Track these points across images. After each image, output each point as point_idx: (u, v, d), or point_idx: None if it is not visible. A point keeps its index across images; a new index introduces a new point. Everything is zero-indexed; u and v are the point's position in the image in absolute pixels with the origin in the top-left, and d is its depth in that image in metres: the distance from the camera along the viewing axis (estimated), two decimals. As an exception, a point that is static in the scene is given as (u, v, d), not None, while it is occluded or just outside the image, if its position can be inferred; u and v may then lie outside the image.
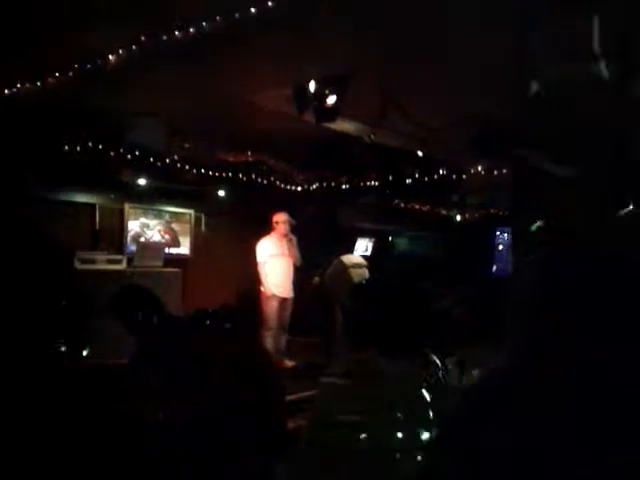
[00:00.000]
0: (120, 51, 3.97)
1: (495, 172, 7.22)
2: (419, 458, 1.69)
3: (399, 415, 1.79)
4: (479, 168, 7.34)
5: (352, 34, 3.61)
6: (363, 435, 1.76)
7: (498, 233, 11.16)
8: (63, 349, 2.73)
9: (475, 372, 2.98)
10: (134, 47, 3.91)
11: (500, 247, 11.06)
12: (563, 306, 0.95)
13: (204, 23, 3.51)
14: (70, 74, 4.31)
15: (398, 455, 1.73)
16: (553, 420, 0.89)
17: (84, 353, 3.38)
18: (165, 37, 3.72)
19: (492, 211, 10.16)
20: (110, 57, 4.03)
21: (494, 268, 11.12)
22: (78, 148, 5.99)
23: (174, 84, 4.51)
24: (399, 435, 1.76)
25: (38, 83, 4.51)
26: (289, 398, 3.45)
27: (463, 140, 5.71)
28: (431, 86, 4.58)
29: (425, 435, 1.76)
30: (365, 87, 4.53)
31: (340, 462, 1.77)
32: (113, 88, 4.56)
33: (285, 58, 3.91)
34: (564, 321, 0.95)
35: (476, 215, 10.17)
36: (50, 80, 4.42)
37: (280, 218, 6.65)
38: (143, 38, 3.83)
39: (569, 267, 0.98)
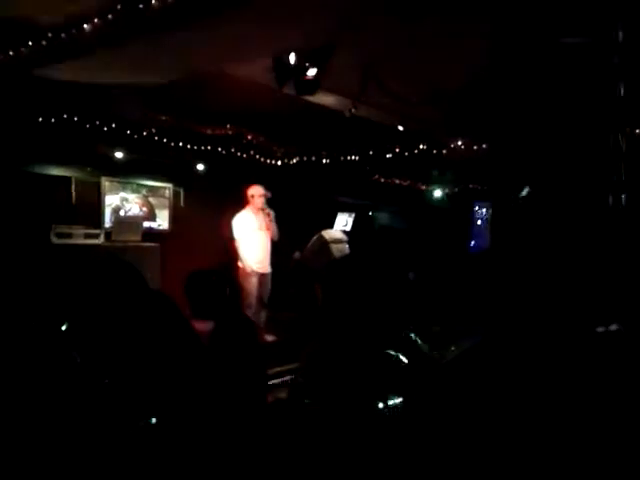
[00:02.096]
0: (95, 20, 3.88)
1: (475, 147, 7.26)
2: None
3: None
4: (459, 143, 7.37)
5: (334, 3, 3.58)
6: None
7: (477, 208, 11.27)
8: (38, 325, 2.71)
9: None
10: (110, 16, 3.83)
11: (479, 222, 11.18)
12: None
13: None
14: (44, 43, 4.22)
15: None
16: None
17: (63, 328, 3.37)
18: (141, 6, 3.65)
19: (471, 186, 10.24)
20: (85, 26, 3.94)
21: (472, 243, 11.25)
22: (52, 120, 5.89)
23: (150, 55, 4.43)
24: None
25: (11, 53, 4.41)
26: (269, 371, 3.49)
27: (442, 116, 5.73)
28: (411, 59, 4.57)
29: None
30: (346, 60, 4.51)
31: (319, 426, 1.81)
32: (88, 59, 4.46)
33: (266, 28, 3.86)
34: None
35: (456, 190, 10.23)
36: (23, 50, 4.32)
37: (255, 191, 6.61)
38: (119, 7, 3.75)
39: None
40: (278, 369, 4.29)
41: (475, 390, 1.94)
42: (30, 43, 4.27)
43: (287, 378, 3.82)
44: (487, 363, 2.09)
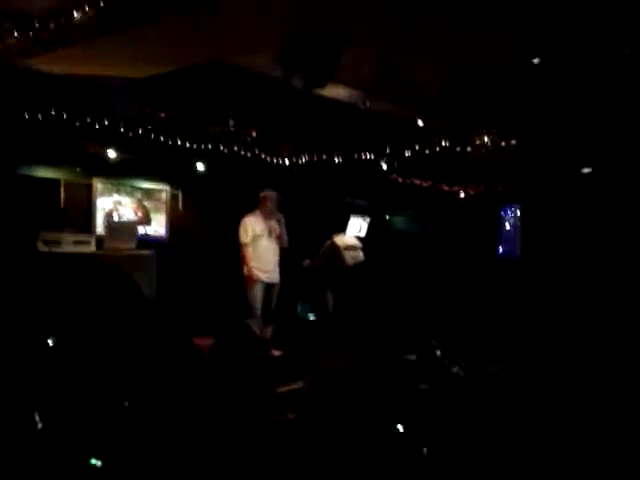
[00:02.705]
0: (86, 7, 3.93)
1: (503, 143, 7.24)
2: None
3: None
4: (485, 139, 7.36)
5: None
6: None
7: (505, 211, 11.24)
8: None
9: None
10: (102, 4, 3.87)
11: (507, 226, 11.14)
12: None
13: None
14: (31, 34, 4.26)
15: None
16: None
17: (50, 342, 3.39)
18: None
19: (500, 187, 10.20)
20: (75, 14, 3.99)
21: (500, 249, 11.21)
22: (40, 117, 5.93)
23: (147, 46, 4.47)
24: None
25: (-5, 43, 4.46)
26: (277, 390, 3.49)
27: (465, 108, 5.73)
28: (430, 46, 4.57)
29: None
30: (360, 49, 4.52)
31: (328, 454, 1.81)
32: (79, 50, 4.51)
33: (272, 15, 3.88)
34: None
35: (482, 191, 10.20)
36: (8, 40, 4.37)
37: (267, 195, 6.61)
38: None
39: None
40: (286, 387, 4.28)
41: (508, 417, 1.94)
42: (16, 32, 4.32)
43: (296, 397, 3.82)
44: (519, 386, 2.09)
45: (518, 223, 10.85)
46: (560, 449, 1.85)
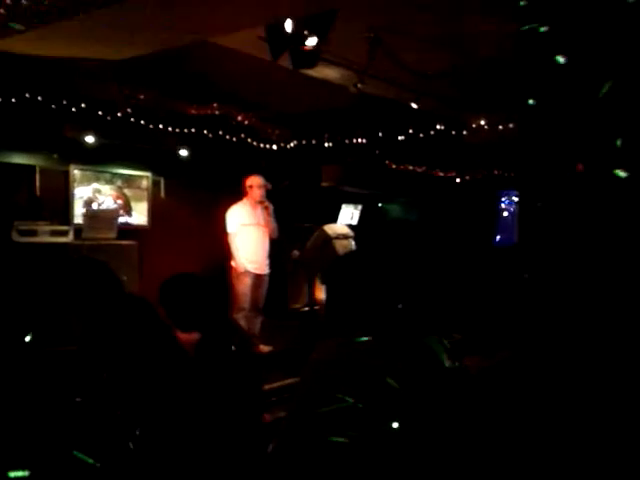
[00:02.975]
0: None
1: (500, 127, 7.23)
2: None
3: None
4: (482, 122, 7.34)
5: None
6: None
7: (502, 197, 11.27)
8: None
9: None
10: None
11: (505, 213, 11.17)
12: None
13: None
14: (2, 11, 4.18)
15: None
16: None
17: (26, 339, 3.35)
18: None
19: (496, 172, 10.21)
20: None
21: (497, 237, 11.25)
22: (13, 100, 5.86)
23: (125, 23, 4.40)
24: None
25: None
26: (266, 387, 3.47)
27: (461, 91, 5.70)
28: (425, 25, 4.53)
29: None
30: (350, 26, 4.47)
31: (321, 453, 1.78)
32: (53, 29, 4.43)
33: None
34: None
35: (478, 177, 10.21)
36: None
37: (255, 182, 6.58)
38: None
39: None
40: (276, 384, 4.27)
41: (512, 410, 1.92)
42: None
43: (287, 394, 3.81)
44: (522, 378, 2.07)
45: (516, 209, 10.88)
46: (558, 448, 1.84)
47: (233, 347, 2.75)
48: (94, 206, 7.39)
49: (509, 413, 1.97)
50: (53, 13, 4.10)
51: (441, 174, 10.30)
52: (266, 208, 6.58)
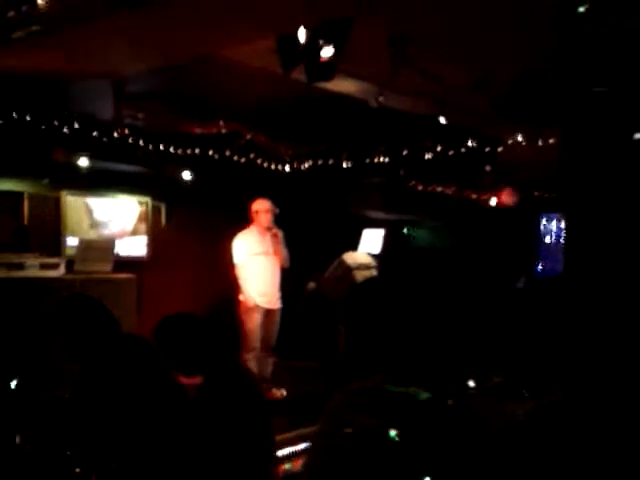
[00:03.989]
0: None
1: (540, 142, 7.23)
2: None
3: None
4: (519, 138, 7.35)
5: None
6: None
7: (544, 221, 11.21)
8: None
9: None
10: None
11: (547, 239, 11.10)
12: None
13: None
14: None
15: None
16: None
17: (12, 385, 3.38)
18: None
19: (536, 193, 10.19)
20: (39, 1, 4.01)
21: (539, 266, 11.18)
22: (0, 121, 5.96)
23: (124, 37, 4.49)
24: None
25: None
26: (279, 438, 3.47)
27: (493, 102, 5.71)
28: (452, 33, 4.58)
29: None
30: (370, 36, 4.53)
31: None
32: (45, 43, 4.53)
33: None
34: None
35: (515, 199, 10.19)
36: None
37: (261, 206, 6.62)
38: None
39: None
40: (291, 434, 4.26)
41: (561, 461, 1.92)
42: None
43: (302, 446, 3.80)
44: (572, 425, 2.07)
45: (560, 235, 10.82)
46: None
47: (237, 391, 2.76)
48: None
49: (570, 462, 1.97)
50: (42, 28, 4.19)
51: (474, 196, 10.29)
52: (275, 235, 6.60)
